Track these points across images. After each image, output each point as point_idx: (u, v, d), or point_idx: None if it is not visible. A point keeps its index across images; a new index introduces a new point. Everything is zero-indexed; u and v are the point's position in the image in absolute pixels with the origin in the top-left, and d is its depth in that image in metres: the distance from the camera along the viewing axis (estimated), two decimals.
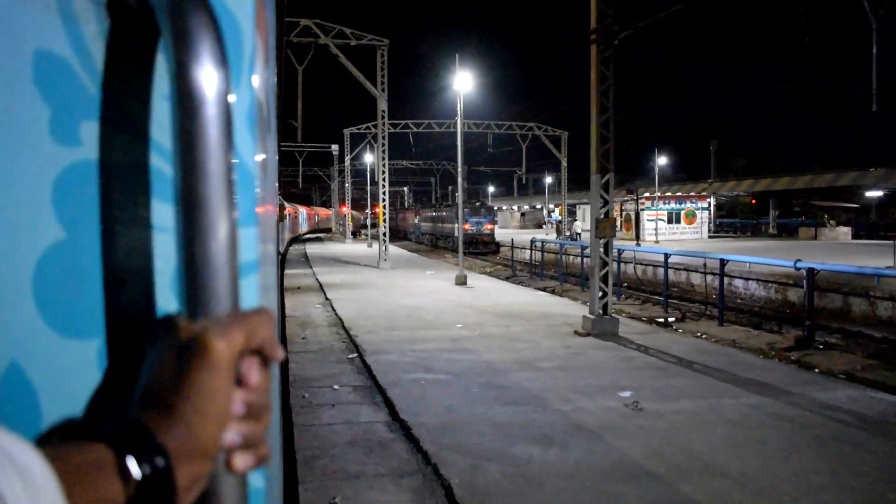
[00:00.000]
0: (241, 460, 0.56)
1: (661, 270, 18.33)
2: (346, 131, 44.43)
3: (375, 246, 40.00)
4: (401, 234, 61.45)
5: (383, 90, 22.63)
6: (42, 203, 0.65)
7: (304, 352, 9.21)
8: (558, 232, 40.06)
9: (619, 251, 18.55)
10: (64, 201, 0.65)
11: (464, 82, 18.77)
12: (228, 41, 0.58)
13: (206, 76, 0.55)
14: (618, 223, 40.71)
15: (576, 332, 10.16)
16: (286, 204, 40.25)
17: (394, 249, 33.76)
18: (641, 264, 22.26)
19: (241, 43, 0.69)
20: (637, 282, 19.28)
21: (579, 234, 37.46)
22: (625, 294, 17.87)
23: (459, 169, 18.84)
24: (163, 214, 0.68)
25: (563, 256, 22.31)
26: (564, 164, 45.62)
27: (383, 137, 22.79)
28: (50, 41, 0.65)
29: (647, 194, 42.73)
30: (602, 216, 10.32)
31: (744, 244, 33.38)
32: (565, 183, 45.43)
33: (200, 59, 0.55)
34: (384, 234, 23.07)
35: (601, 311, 10.16)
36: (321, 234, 64.24)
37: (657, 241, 34.69)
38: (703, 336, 10.72)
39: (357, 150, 46.43)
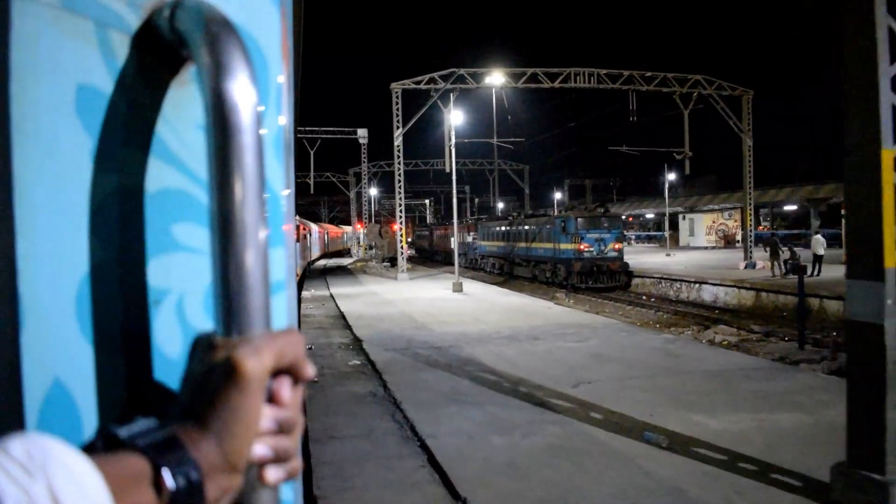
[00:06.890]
0: (272, 473, 0.66)
1: None
2: (396, 86, 23.91)
3: (471, 288, 24.32)
4: (437, 258, 52.88)
5: None
6: (84, 227, 0.77)
7: None
8: (774, 254, 27.86)
9: None
10: (105, 225, 0.77)
11: None
12: (259, 73, 0.71)
13: (239, 107, 0.66)
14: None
15: None
16: (301, 222, 33.66)
17: (477, 288, 23.85)
18: None
19: (270, 74, 0.80)
20: None
21: (821, 255, 27.01)
22: None
23: None
24: (197, 237, 0.80)
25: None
26: (749, 142, 31.92)
27: None
28: (90, 74, 0.76)
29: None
30: None
31: None
32: (750, 172, 32.48)
33: (234, 92, 0.66)
34: None
35: None
36: (343, 262, 54.11)
37: None
38: None
39: (418, 115, 26.18)
